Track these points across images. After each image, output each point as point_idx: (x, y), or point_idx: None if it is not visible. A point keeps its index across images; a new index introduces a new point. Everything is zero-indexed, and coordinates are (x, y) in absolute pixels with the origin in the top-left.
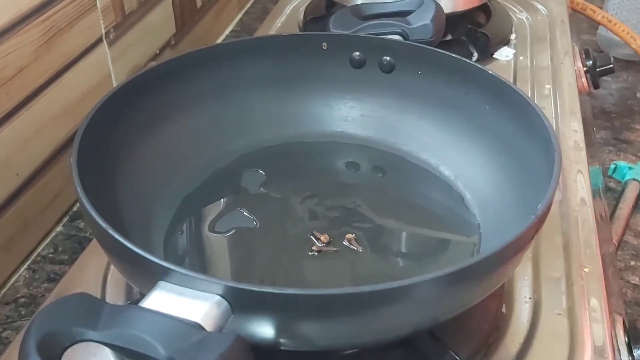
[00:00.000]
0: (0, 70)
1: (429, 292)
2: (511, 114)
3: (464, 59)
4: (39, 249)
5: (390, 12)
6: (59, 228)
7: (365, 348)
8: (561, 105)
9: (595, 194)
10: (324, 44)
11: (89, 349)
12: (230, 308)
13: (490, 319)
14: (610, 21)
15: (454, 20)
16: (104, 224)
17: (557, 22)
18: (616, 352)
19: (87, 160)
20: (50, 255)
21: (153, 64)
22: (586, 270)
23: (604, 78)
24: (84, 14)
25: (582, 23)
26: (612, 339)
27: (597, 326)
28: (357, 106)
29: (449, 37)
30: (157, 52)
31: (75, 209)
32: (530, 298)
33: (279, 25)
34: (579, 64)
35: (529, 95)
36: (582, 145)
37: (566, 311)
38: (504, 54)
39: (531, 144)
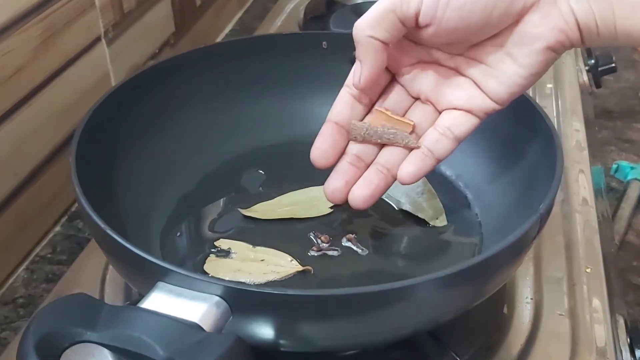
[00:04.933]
0: None
1: (430, 293)
2: (512, 114)
3: None
4: (38, 249)
5: None
6: (58, 228)
7: (365, 349)
8: (563, 104)
9: (597, 193)
10: (324, 42)
11: (88, 350)
12: (229, 309)
13: (492, 319)
14: None
15: None
16: (102, 225)
17: None
18: (618, 353)
19: (85, 160)
20: (49, 255)
21: (152, 63)
22: (588, 270)
23: (606, 77)
24: (82, 12)
25: None
26: (614, 340)
27: (599, 327)
28: None
29: None
30: (156, 51)
31: (73, 209)
32: (531, 299)
33: (278, 24)
34: (581, 63)
35: (531, 95)
36: (584, 144)
37: (568, 312)
38: None
39: (533, 144)
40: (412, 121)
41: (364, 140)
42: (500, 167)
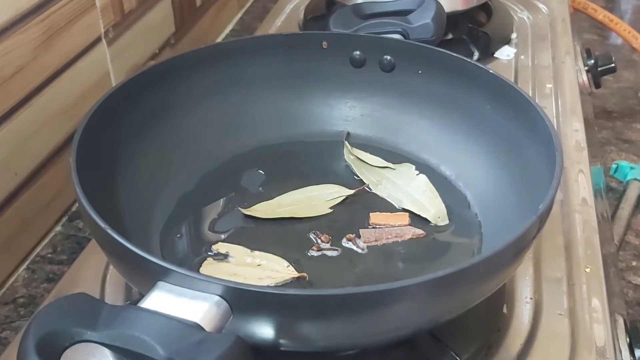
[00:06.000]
0: None
1: (430, 293)
2: (512, 114)
3: (464, 58)
4: (38, 249)
5: (391, 11)
6: (58, 228)
7: (365, 348)
8: (562, 104)
9: (596, 193)
10: (324, 43)
11: (88, 350)
12: (229, 308)
13: (491, 319)
14: (611, 20)
15: (454, 19)
16: (103, 224)
17: (558, 21)
18: (617, 353)
19: (86, 160)
20: (49, 255)
21: (152, 63)
22: (587, 270)
23: (606, 77)
24: (83, 13)
25: (583, 22)
26: (613, 340)
27: (599, 327)
28: (358, 105)
29: (450, 36)
30: (157, 51)
31: (74, 208)
32: (531, 298)
33: (279, 24)
34: (580, 63)
35: (530, 95)
36: (584, 144)
37: (567, 312)
38: (504, 53)
39: (532, 144)
40: (405, 212)
41: (377, 241)
42: (500, 167)
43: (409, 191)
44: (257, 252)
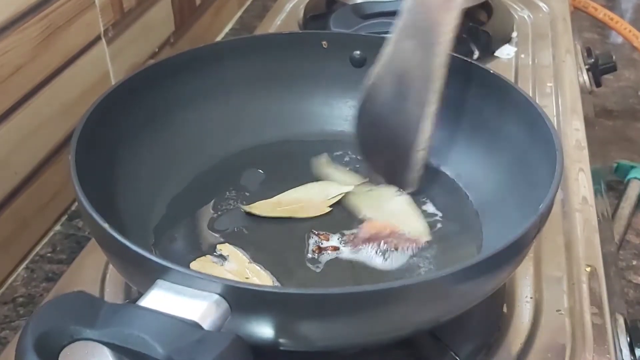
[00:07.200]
0: None
1: (430, 293)
2: (512, 113)
3: (464, 58)
4: (37, 248)
5: (391, 11)
6: (57, 227)
7: (365, 348)
8: (563, 103)
9: (597, 193)
10: (324, 42)
11: (87, 348)
12: (229, 307)
13: (491, 319)
14: (612, 19)
15: None
16: (102, 223)
17: (558, 20)
18: (618, 352)
19: (85, 159)
20: (49, 254)
21: (152, 62)
22: (588, 269)
23: (606, 76)
24: (82, 11)
25: (583, 21)
26: (613, 339)
27: (599, 326)
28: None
29: None
30: (156, 50)
31: (73, 207)
32: (531, 298)
33: (278, 23)
34: (581, 62)
35: (531, 94)
36: (584, 144)
37: (568, 311)
38: (505, 52)
39: (533, 143)
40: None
41: (376, 239)
42: (500, 167)
43: (389, 208)
44: (253, 266)
